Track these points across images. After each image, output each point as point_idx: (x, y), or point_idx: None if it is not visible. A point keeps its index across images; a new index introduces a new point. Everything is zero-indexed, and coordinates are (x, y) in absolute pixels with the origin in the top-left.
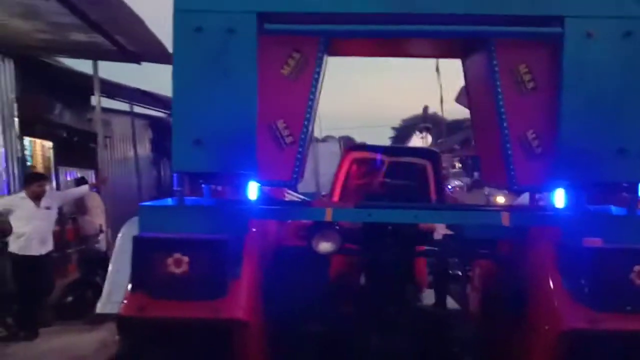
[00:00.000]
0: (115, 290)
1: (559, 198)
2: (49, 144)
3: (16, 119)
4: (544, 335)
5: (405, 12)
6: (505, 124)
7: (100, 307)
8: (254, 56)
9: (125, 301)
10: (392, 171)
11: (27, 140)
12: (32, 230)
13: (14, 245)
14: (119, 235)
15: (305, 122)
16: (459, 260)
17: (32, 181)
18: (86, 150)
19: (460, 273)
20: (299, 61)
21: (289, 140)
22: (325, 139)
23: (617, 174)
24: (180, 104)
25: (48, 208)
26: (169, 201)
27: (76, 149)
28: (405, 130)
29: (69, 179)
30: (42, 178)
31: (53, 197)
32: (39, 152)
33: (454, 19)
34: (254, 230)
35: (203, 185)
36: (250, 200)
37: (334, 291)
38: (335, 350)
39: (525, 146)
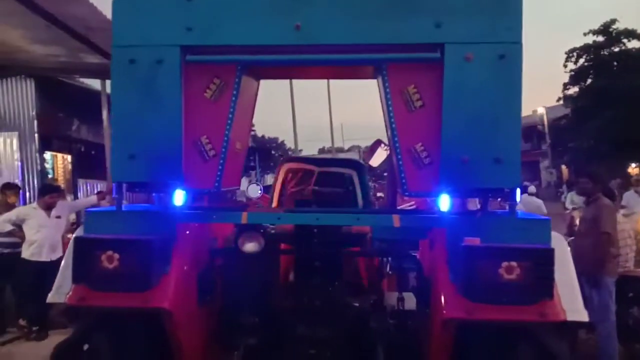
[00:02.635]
0: (64, 284)
1: (444, 202)
2: (69, 157)
3: (36, 135)
4: (435, 324)
5: (307, 44)
6: (396, 139)
7: (50, 297)
8: (178, 83)
9: (70, 292)
10: (322, 180)
11: (48, 154)
12: (43, 237)
13: (27, 252)
14: (72, 237)
15: (225, 138)
16: (391, 260)
17: (45, 193)
18: (103, 163)
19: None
20: (219, 86)
21: (211, 153)
22: (350, 149)
23: (494, 181)
24: (117, 124)
25: (58, 217)
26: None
27: (93, 162)
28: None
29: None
30: (55, 190)
31: (63, 207)
32: (60, 166)
33: (348, 49)
34: (187, 232)
35: (154, 195)
36: (176, 206)
37: (268, 287)
38: (268, 337)
39: (415, 157)
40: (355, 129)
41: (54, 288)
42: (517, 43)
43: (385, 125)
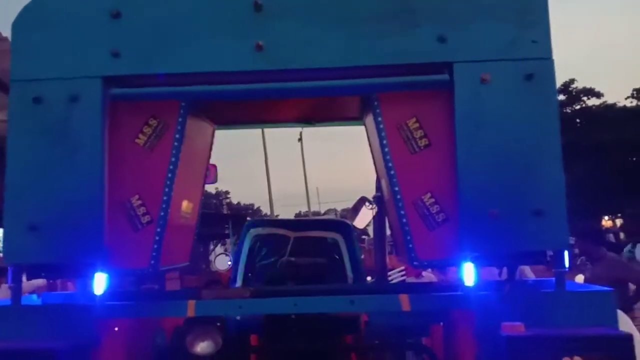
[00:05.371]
0: None
1: (468, 274)
2: None
3: None
4: None
5: (272, 69)
6: (396, 189)
7: None
8: (100, 126)
9: None
10: (299, 248)
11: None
12: None
13: None
14: None
15: (165, 198)
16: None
17: None
18: None
19: None
20: (156, 129)
21: (145, 219)
22: (327, 212)
23: (535, 241)
24: (13, 185)
25: None
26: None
27: None
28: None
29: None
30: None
31: (7, 292)
32: None
33: (327, 74)
34: (116, 330)
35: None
36: (97, 296)
37: None
38: None
39: (423, 214)
40: (331, 192)
41: None
42: (548, 59)
43: (378, 175)
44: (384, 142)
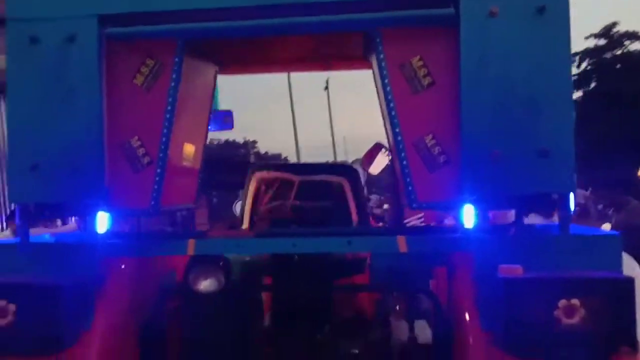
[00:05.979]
0: None
1: (469, 216)
2: None
3: None
4: None
5: (274, 4)
6: (398, 130)
7: None
8: (97, 66)
9: None
10: (304, 192)
11: None
12: None
13: None
14: None
15: (164, 139)
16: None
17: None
18: None
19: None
20: (153, 69)
21: (145, 160)
22: (354, 162)
23: (539, 183)
24: (15, 125)
25: None
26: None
27: None
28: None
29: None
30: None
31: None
32: None
33: (327, 8)
34: (122, 267)
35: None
36: (100, 235)
37: (239, 338)
38: None
39: (424, 155)
40: (359, 142)
41: None
42: None
43: (383, 116)
44: (386, 81)
